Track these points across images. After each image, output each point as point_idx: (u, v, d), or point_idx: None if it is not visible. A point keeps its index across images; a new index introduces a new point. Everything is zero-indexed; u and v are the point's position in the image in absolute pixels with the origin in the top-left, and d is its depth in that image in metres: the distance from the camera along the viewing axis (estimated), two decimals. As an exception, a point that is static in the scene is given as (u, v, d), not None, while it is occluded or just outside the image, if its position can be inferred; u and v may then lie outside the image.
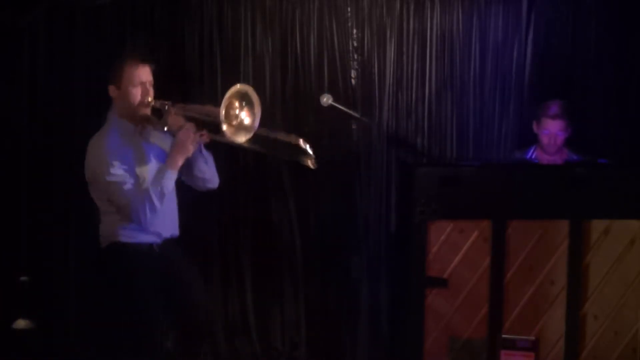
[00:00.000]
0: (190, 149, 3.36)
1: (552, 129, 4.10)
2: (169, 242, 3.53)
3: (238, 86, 3.33)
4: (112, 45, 4.33)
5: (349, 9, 4.38)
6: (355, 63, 4.39)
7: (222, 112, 3.22)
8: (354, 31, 4.38)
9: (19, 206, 4.32)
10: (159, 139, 3.53)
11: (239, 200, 4.40)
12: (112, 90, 3.44)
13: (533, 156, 4.24)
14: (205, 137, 3.38)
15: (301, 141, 3.45)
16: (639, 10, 4.38)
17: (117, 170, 3.33)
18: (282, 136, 3.49)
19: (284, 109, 4.39)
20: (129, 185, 3.33)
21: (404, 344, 3.59)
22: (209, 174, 3.57)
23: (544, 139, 4.13)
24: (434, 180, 3.43)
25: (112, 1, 4.31)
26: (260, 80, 4.36)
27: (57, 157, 4.35)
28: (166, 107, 3.39)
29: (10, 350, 4.19)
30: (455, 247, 3.47)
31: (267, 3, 4.36)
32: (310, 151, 3.45)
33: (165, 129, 3.41)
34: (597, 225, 3.45)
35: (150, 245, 3.46)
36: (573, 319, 3.43)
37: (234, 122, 3.33)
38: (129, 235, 3.43)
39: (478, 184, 3.43)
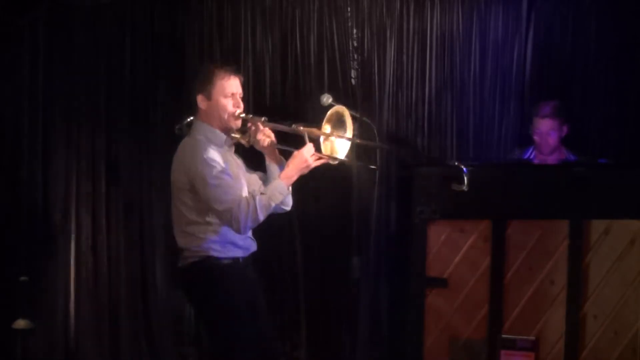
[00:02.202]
0: (309, 168, 3.31)
1: (542, 129, 4.11)
2: (251, 257, 3.46)
3: (338, 108, 3.34)
4: (112, 45, 4.33)
5: (349, 9, 4.38)
6: (355, 63, 4.39)
7: (328, 127, 3.28)
8: (354, 31, 4.38)
9: (19, 206, 4.32)
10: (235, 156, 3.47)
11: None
12: (200, 100, 3.34)
13: (532, 156, 4.25)
14: (322, 159, 3.33)
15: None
16: (639, 10, 4.38)
17: (222, 174, 3.21)
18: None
19: (284, 108, 4.39)
20: (234, 189, 3.23)
21: (404, 344, 3.59)
22: (287, 198, 3.47)
23: (536, 139, 4.16)
24: (434, 180, 3.43)
25: (112, 1, 4.31)
26: (260, 80, 4.36)
27: (57, 157, 4.35)
28: (258, 123, 3.32)
29: (10, 350, 4.19)
30: (455, 247, 3.47)
31: (267, 3, 4.36)
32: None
33: (253, 143, 3.37)
34: (597, 225, 3.45)
35: (237, 259, 3.36)
36: (573, 319, 3.43)
37: (329, 144, 3.33)
38: (220, 250, 3.31)
39: (478, 184, 3.43)
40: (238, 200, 3.20)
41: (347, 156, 3.35)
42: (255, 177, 3.49)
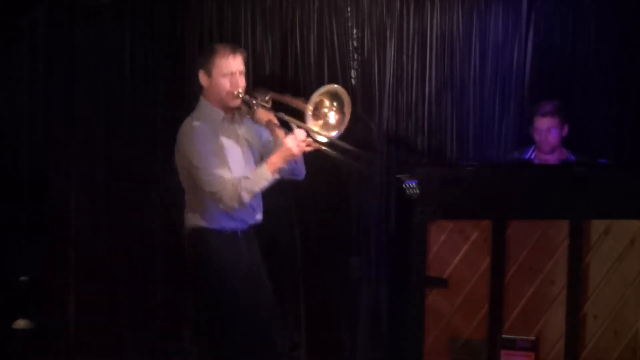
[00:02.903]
0: (295, 157, 3.38)
1: (542, 127, 4.12)
2: (252, 229, 3.56)
3: (329, 86, 3.36)
4: (112, 45, 4.33)
5: (349, 9, 4.38)
6: (355, 63, 4.39)
7: (310, 107, 3.28)
8: (354, 31, 4.38)
9: (19, 206, 4.32)
10: (246, 128, 3.56)
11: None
12: (202, 76, 3.46)
13: (532, 156, 4.25)
14: (311, 146, 3.37)
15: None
16: (638, 10, 4.38)
17: (208, 157, 3.33)
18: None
19: (283, 108, 4.38)
20: (219, 172, 3.33)
21: (404, 344, 3.59)
22: (297, 169, 3.58)
23: (536, 137, 4.16)
24: (434, 180, 3.43)
25: (112, 1, 4.31)
26: (260, 80, 4.36)
27: (57, 157, 4.35)
28: (254, 102, 3.41)
29: (10, 350, 4.19)
30: (455, 247, 3.47)
31: (267, 3, 4.36)
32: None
33: (254, 120, 3.47)
34: (597, 225, 3.45)
35: (235, 231, 3.47)
36: (573, 319, 3.43)
37: (320, 121, 3.35)
38: (214, 221, 3.43)
39: (478, 184, 3.43)
40: (223, 184, 3.31)
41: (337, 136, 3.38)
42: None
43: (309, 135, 3.37)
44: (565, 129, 4.17)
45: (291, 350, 4.44)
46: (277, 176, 3.40)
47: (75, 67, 4.34)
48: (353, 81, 4.39)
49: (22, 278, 4.21)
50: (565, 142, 4.23)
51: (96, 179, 4.36)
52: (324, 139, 3.38)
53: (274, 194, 4.28)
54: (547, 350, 3.46)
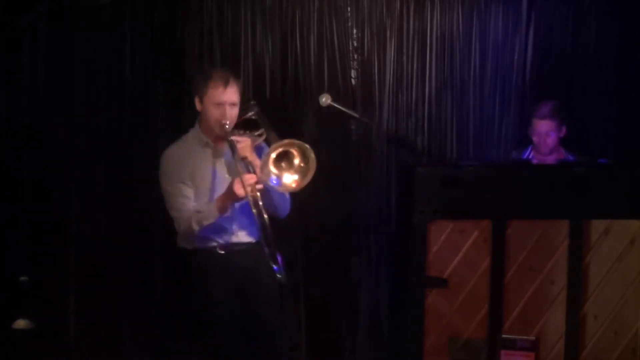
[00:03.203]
0: (240, 198, 3.39)
1: (540, 130, 4.11)
2: (239, 246, 3.59)
3: (302, 144, 3.36)
4: (112, 45, 4.33)
5: (349, 9, 4.38)
6: (355, 63, 4.39)
7: (273, 155, 3.32)
8: (354, 31, 4.38)
9: (20, 206, 4.32)
10: (228, 162, 3.57)
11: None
12: (197, 102, 3.55)
13: (530, 156, 4.25)
14: (257, 191, 3.38)
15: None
16: (638, 10, 4.38)
17: (176, 184, 3.48)
18: None
19: (283, 109, 4.39)
20: (182, 199, 3.48)
21: (404, 344, 3.59)
22: (281, 206, 3.63)
23: (534, 139, 4.16)
24: (434, 180, 3.43)
25: (112, 1, 4.31)
26: (260, 80, 4.36)
27: (57, 157, 4.35)
28: (234, 140, 3.43)
29: (10, 350, 4.19)
30: (455, 247, 3.47)
31: (267, 3, 4.36)
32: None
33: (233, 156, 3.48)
34: (597, 225, 3.45)
35: (214, 249, 3.56)
36: (573, 319, 3.43)
37: (266, 168, 3.36)
38: (189, 242, 3.56)
39: (478, 184, 3.43)
40: (180, 212, 3.47)
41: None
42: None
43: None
44: (563, 130, 4.16)
45: (291, 350, 4.44)
46: (226, 213, 3.45)
47: (75, 67, 4.33)
48: (353, 81, 4.39)
49: (22, 278, 4.21)
50: (565, 143, 4.23)
51: (96, 179, 4.36)
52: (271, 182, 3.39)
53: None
54: (547, 350, 3.46)
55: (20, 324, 4.18)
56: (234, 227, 3.58)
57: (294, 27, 4.38)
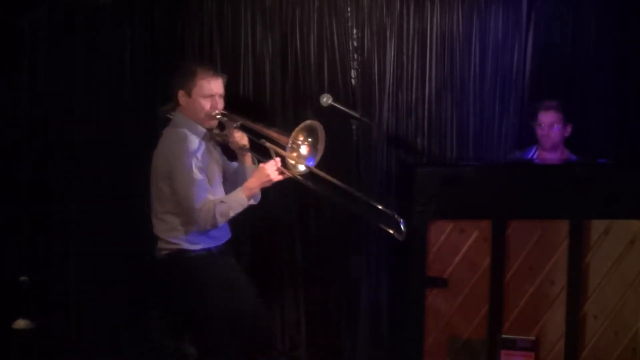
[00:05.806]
0: (271, 182, 3.41)
1: (545, 121, 4.14)
2: (225, 245, 3.60)
3: (309, 122, 3.37)
4: (112, 45, 4.33)
5: (349, 9, 4.38)
6: (355, 63, 4.39)
7: (290, 141, 3.28)
8: (354, 31, 4.38)
9: (19, 206, 4.31)
10: (219, 152, 3.62)
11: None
12: (181, 96, 3.50)
13: (535, 156, 4.25)
14: (285, 174, 3.40)
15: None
16: (639, 10, 4.38)
17: (196, 172, 3.36)
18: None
19: (283, 109, 4.39)
20: (203, 190, 3.36)
21: (404, 344, 3.59)
22: (257, 195, 3.58)
23: (539, 131, 4.19)
24: (434, 180, 3.43)
25: (112, 1, 4.31)
26: (260, 80, 4.36)
27: (57, 157, 4.35)
28: (234, 125, 3.45)
29: (10, 350, 4.19)
30: (455, 247, 3.47)
31: (267, 3, 4.36)
32: None
33: (227, 143, 3.51)
34: (597, 225, 3.45)
35: (210, 249, 3.51)
36: (573, 319, 3.43)
37: (295, 153, 3.36)
38: (193, 242, 3.46)
39: (478, 184, 3.43)
40: (202, 203, 3.33)
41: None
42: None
43: (284, 164, 3.40)
44: (568, 129, 4.19)
45: (291, 350, 4.44)
46: (252, 202, 3.44)
47: (75, 67, 4.33)
48: (353, 81, 4.39)
49: (22, 278, 4.21)
50: (565, 143, 4.23)
51: (96, 179, 4.35)
52: (302, 168, 3.40)
53: (274, 194, 4.31)
54: (547, 350, 3.46)
55: (20, 324, 4.17)
56: (225, 226, 3.59)
57: (294, 27, 4.37)
